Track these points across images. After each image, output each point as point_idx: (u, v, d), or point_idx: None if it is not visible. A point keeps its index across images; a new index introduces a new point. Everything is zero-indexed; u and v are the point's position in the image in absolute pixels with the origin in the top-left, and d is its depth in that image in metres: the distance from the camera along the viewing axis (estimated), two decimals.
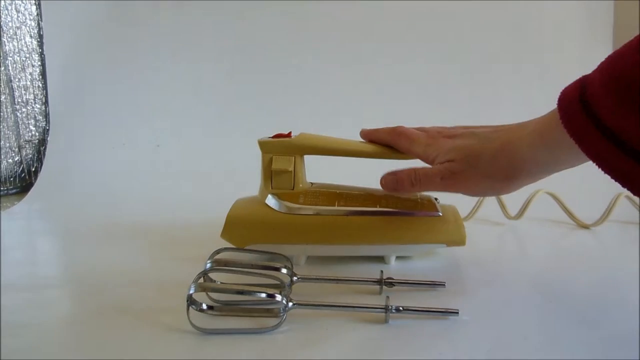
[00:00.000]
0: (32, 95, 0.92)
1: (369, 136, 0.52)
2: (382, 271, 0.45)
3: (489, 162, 0.42)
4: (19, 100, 0.90)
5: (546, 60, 0.99)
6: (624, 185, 0.34)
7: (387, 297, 0.39)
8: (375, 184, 0.51)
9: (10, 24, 0.88)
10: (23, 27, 0.90)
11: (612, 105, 0.32)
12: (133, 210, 0.74)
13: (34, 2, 0.91)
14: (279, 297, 0.38)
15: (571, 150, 0.36)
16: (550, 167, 0.41)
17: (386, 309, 0.38)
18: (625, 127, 0.32)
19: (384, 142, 0.50)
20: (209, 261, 0.42)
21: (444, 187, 0.45)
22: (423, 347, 0.35)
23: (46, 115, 0.93)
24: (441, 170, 0.44)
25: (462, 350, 0.35)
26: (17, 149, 0.89)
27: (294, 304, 0.38)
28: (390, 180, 0.48)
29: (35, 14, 0.92)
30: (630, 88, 0.31)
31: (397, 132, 0.49)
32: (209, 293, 0.40)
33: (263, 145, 0.50)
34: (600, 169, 0.34)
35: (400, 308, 0.38)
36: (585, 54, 0.98)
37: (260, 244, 0.49)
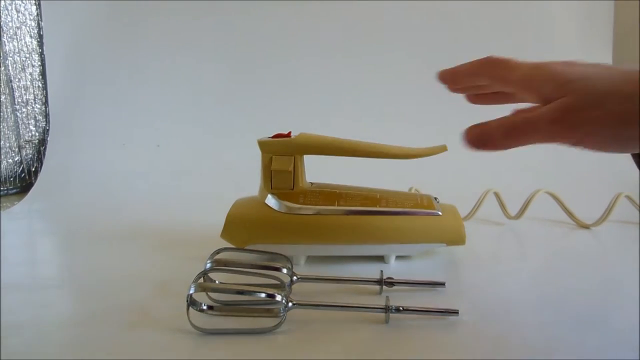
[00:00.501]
0: (32, 95, 0.92)
1: (451, 76, 0.41)
2: (382, 271, 0.45)
3: (622, 98, 0.31)
4: (19, 100, 0.90)
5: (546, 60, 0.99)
6: None
7: (387, 297, 0.39)
8: (375, 184, 0.51)
9: (10, 24, 0.88)
10: (23, 27, 0.90)
11: None
12: (133, 210, 0.74)
13: (34, 2, 0.91)
14: (278, 297, 0.38)
15: None
16: None
17: (386, 309, 0.38)
18: None
19: (471, 80, 0.39)
20: (208, 261, 0.42)
21: (552, 135, 0.33)
22: (423, 347, 0.35)
23: (46, 115, 0.93)
24: (551, 110, 0.32)
25: (462, 350, 0.35)
26: (17, 149, 0.89)
27: (294, 304, 0.38)
28: (477, 133, 0.36)
29: (35, 14, 0.92)
30: None
31: (489, 61, 0.37)
32: (209, 293, 0.40)
33: (263, 145, 0.50)
34: None
35: (400, 308, 0.38)
36: (585, 54, 0.98)
37: (260, 244, 0.49)
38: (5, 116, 0.88)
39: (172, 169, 0.89)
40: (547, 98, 0.33)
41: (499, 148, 0.35)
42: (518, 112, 0.35)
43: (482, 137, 0.36)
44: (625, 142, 0.32)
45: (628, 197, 0.63)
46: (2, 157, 0.87)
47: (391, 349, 0.35)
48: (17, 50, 0.89)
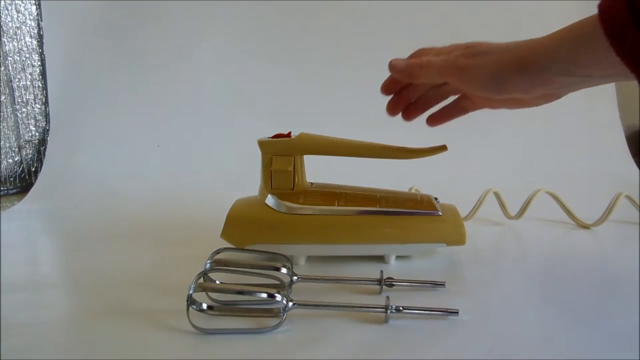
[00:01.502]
0: (32, 95, 0.92)
1: (389, 89, 0.50)
2: (382, 271, 0.45)
3: (505, 49, 0.40)
4: (19, 100, 0.90)
5: None
6: None
7: (387, 297, 0.39)
8: (375, 184, 0.51)
9: (10, 24, 0.88)
10: (23, 27, 0.90)
11: None
12: (133, 210, 0.74)
13: (34, 2, 0.91)
14: (278, 297, 0.38)
15: (597, 50, 0.34)
16: (566, 67, 0.37)
17: (386, 309, 0.38)
18: None
19: (402, 85, 0.49)
20: (208, 261, 0.42)
21: (454, 69, 0.42)
22: (423, 347, 0.35)
23: (46, 115, 0.93)
24: (458, 56, 0.42)
25: (462, 350, 0.35)
26: (17, 149, 0.89)
27: (293, 304, 0.38)
28: (399, 62, 0.46)
29: (35, 14, 0.92)
30: None
31: (411, 68, 0.46)
32: (208, 293, 0.40)
33: (263, 145, 0.50)
34: (628, 68, 0.33)
35: (400, 308, 0.38)
36: None
37: (260, 244, 0.49)
38: (5, 116, 0.88)
39: (172, 169, 0.89)
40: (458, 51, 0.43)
41: (415, 78, 0.45)
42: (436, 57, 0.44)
43: (403, 65, 0.46)
44: (500, 83, 0.40)
45: (628, 197, 0.63)
46: (2, 157, 0.87)
47: (391, 349, 0.35)
48: (17, 50, 0.89)
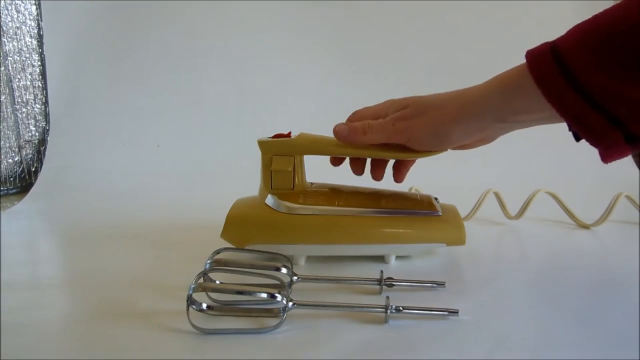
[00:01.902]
0: (32, 95, 0.92)
1: (336, 161, 0.52)
2: (382, 271, 0.45)
3: (440, 106, 0.43)
4: (19, 100, 0.90)
5: None
6: (575, 128, 0.37)
7: (387, 297, 0.39)
8: (375, 184, 0.51)
9: (10, 24, 0.88)
10: (23, 27, 0.90)
11: (583, 58, 0.36)
12: (133, 210, 0.74)
13: (34, 2, 0.91)
14: (278, 297, 0.38)
15: (527, 96, 0.38)
16: (500, 114, 0.41)
17: (386, 309, 0.38)
18: (592, 78, 0.35)
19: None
20: (208, 261, 0.42)
21: (395, 133, 0.45)
22: (423, 347, 0.35)
23: (46, 115, 0.93)
24: (394, 117, 0.45)
25: (462, 350, 0.35)
26: (17, 149, 0.89)
27: (293, 304, 0.38)
28: (343, 127, 0.48)
29: (35, 14, 0.92)
30: (604, 44, 0.35)
31: (354, 134, 0.48)
32: (208, 293, 0.40)
33: (263, 145, 0.50)
34: (558, 113, 0.37)
35: (400, 308, 0.38)
36: None
37: (260, 244, 0.49)
38: (5, 116, 0.88)
39: (172, 169, 0.90)
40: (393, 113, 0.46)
41: (359, 142, 0.47)
42: (373, 120, 0.47)
43: (346, 132, 0.47)
44: (441, 138, 0.44)
45: (628, 197, 0.63)
46: (2, 157, 0.87)
47: (391, 349, 0.35)
48: (17, 50, 0.89)
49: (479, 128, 0.43)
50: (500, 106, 0.41)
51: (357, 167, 0.51)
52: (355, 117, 0.50)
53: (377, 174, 0.51)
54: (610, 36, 0.35)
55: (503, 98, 0.41)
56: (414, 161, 0.51)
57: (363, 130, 0.46)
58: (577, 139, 0.41)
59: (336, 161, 0.52)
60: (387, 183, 0.53)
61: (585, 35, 0.36)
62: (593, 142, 0.38)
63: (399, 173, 0.52)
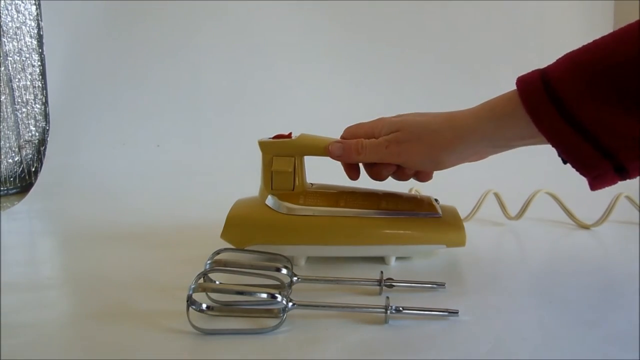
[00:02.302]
0: (32, 95, 0.92)
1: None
2: (382, 272, 0.45)
3: (434, 132, 0.44)
4: (19, 100, 0.90)
5: (546, 60, 0.99)
6: (565, 157, 0.38)
7: (387, 297, 0.39)
8: (375, 185, 0.51)
9: (10, 24, 0.88)
10: (23, 27, 0.90)
11: (574, 89, 0.36)
12: (133, 210, 0.74)
13: (34, 2, 0.91)
14: (279, 298, 0.38)
15: (519, 124, 0.39)
16: (494, 140, 0.42)
17: (386, 309, 0.38)
18: (583, 109, 0.36)
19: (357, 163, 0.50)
20: (208, 262, 0.42)
21: (388, 156, 0.46)
22: (423, 347, 0.35)
23: (46, 115, 0.93)
24: (387, 139, 0.45)
25: (462, 350, 0.35)
26: (17, 149, 0.89)
27: (294, 305, 0.38)
28: (337, 147, 0.48)
29: (35, 14, 0.92)
30: (595, 76, 0.35)
31: (348, 154, 0.48)
32: (208, 293, 0.40)
33: (263, 145, 0.50)
34: (549, 143, 0.38)
35: (400, 308, 0.38)
36: None
37: (260, 244, 0.49)
38: (5, 116, 0.88)
39: (172, 169, 0.89)
40: (386, 135, 0.46)
41: (352, 161, 0.48)
42: (367, 139, 0.47)
43: (340, 151, 0.48)
44: (436, 163, 0.45)
45: (628, 197, 0.63)
46: (2, 157, 0.87)
47: (391, 350, 0.35)
48: (17, 50, 0.89)
49: (473, 153, 0.44)
50: (494, 134, 0.42)
51: (352, 172, 0.51)
52: (347, 133, 0.50)
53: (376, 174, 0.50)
54: (603, 68, 0.35)
55: (496, 126, 0.41)
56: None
57: (357, 150, 0.47)
58: (565, 162, 0.42)
59: (354, 174, 0.51)
60: (388, 183, 0.53)
61: (577, 65, 0.37)
62: (582, 172, 0.39)
63: (402, 177, 0.51)
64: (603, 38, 0.37)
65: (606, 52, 0.36)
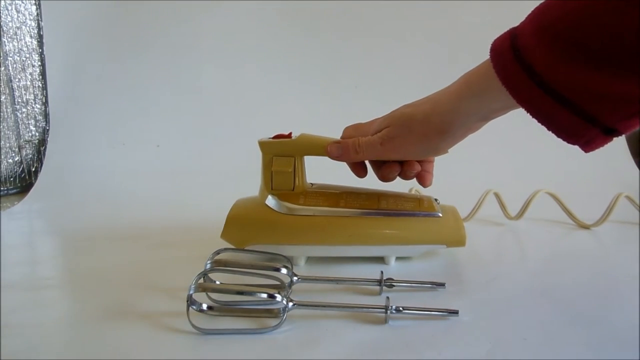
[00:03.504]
0: (32, 95, 0.92)
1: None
2: (382, 272, 0.45)
3: (422, 122, 0.43)
4: (19, 100, 0.90)
5: None
6: (549, 128, 0.36)
7: (387, 297, 0.39)
8: (375, 185, 0.51)
9: (10, 24, 0.88)
10: (23, 27, 0.90)
11: (542, 53, 0.34)
12: (133, 210, 0.74)
13: (34, 2, 0.91)
14: (279, 298, 0.38)
15: (499, 96, 0.37)
16: (481, 115, 0.42)
17: (386, 309, 0.38)
18: (553, 73, 0.34)
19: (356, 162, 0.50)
20: (208, 261, 0.42)
21: (385, 152, 0.46)
22: (423, 347, 0.35)
23: (46, 115, 0.93)
24: (380, 136, 0.46)
25: (462, 350, 0.35)
26: (17, 149, 0.89)
27: (294, 305, 0.38)
28: (336, 148, 0.48)
29: (35, 14, 0.92)
30: (559, 38, 0.33)
31: (346, 153, 0.48)
32: (208, 293, 0.40)
33: (263, 145, 0.50)
34: (528, 113, 0.36)
35: (400, 308, 0.38)
36: None
37: (260, 244, 0.49)
38: (5, 116, 0.88)
39: (172, 169, 0.89)
40: (378, 132, 0.46)
41: (351, 160, 0.49)
42: (362, 137, 0.47)
43: (339, 151, 0.48)
44: (434, 150, 0.45)
45: (628, 197, 0.63)
46: (2, 157, 0.87)
47: (391, 349, 0.35)
48: (17, 50, 0.89)
49: (466, 130, 0.44)
50: (479, 109, 0.41)
51: (359, 170, 0.51)
52: (346, 133, 0.50)
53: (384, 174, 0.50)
54: (565, 25, 0.33)
55: (478, 102, 0.40)
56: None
57: (354, 149, 0.48)
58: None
59: (360, 172, 0.51)
60: (388, 184, 0.53)
61: (541, 26, 0.34)
62: (570, 141, 0.36)
63: (407, 176, 0.51)
64: None
65: (565, 7, 0.33)
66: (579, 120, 0.34)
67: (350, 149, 0.48)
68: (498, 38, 0.38)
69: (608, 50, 0.32)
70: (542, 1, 0.36)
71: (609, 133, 0.35)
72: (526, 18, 0.36)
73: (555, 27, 0.33)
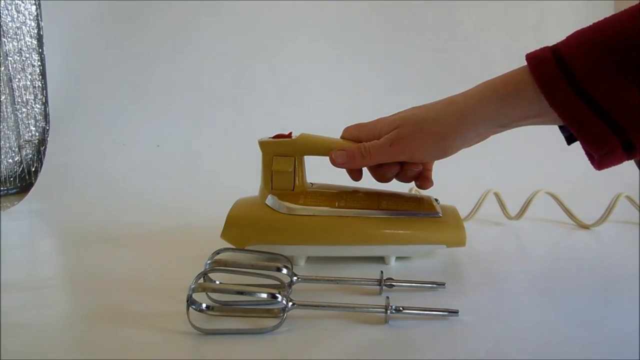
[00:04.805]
0: (32, 95, 0.92)
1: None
2: (382, 272, 0.45)
3: (435, 121, 0.43)
4: (19, 100, 0.90)
5: None
6: (577, 133, 0.38)
7: (387, 297, 0.39)
8: (375, 185, 0.51)
9: (10, 24, 0.88)
10: (23, 27, 0.90)
11: (586, 63, 0.36)
12: (133, 210, 0.74)
13: (34, 2, 0.91)
14: (279, 298, 0.38)
15: (524, 103, 0.39)
16: (497, 122, 0.42)
17: (386, 309, 0.38)
18: (594, 82, 0.36)
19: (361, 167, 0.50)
20: (208, 261, 0.42)
21: (394, 154, 0.46)
22: (423, 347, 0.35)
23: (46, 115, 0.93)
24: (389, 138, 0.45)
25: (462, 350, 0.35)
26: (17, 149, 0.89)
27: (293, 305, 0.38)
28: (340, 154, 0.48)
29: (35, 14, 0.92)
30: (606, 50, 0.35)
31: (352, 160, 0.48)
32: (208, 293, 0.40)
33: (263, 145, 0.50)
34: (560, 118, 0.38)
35: (400, 308, 0.38)
36: None
37: (260, 244, 0.49)
38: (5, 116, 0.88)
39: (172, 169, 0.89)
40: (387, 134, 0.45)
41: (358, 166, 0.48)
42: (369, 142, 0.47)
43: (344, 158, 0.47)
44: (443, 151, 0.45)
45: (628, 197, 0.63)
46: (2, 157, 0.87)
47: (391, 349, 0.35)
48: (17, 50, 0.89)
49: (476, 135, 0.44)
50: (497, 114, 0.41)
51: (355, 173, 0.51)
52: (347, 133, 0.50)
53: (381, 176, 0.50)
54: (613, 43, 0.35)
55: (500, 106, 0.41)
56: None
57: (361, 154, 0.47)
58: (569, 142, 0.42)
59: (357, 176, 0.51)
60: (388, 184, 0.53)
61: (589, 40, 0.37)
62: (593, 149, 0.38)
63: (406, 177, 0.50)
64: (613, 16, 0.37)
65: (614, 29, 0.36)
66: (608, 130, 0.36)
67: (356, 154, 0.47)
68: (534, 51, 0.39)
69: None
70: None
71: (628, 149, 0.38)
72: (569, 36, 0.38)
73: (603, 41, 0.36)
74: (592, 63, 0.36)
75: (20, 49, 0.90)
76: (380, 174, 0.49)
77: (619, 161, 0.39)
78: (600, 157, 0.39)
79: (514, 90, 0.40)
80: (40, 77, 0.93)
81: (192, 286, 0.37)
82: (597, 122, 0.36)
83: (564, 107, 0.37)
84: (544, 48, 0.39)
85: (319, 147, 0.49)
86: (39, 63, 0.93)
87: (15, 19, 0.88)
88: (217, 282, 0.43)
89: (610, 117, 0.36)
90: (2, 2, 0.86)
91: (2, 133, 0.87)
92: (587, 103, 0.36)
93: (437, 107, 0.44)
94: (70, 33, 0.95)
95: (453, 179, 0.78)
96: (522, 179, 0.76)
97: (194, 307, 0.38)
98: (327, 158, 0.50)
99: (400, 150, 0.45)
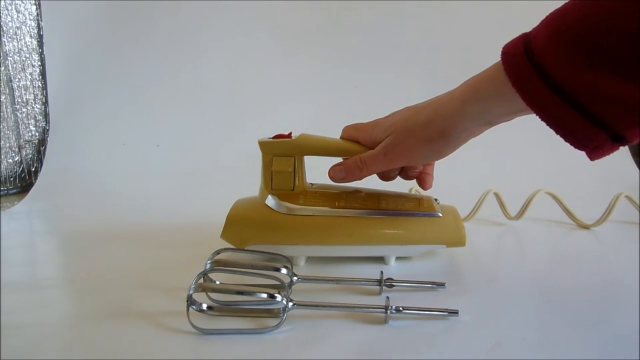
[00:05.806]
0: (32, 95, 0.92)
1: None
2: (382, 272, 0.45)
3: (425, 125, 0.43)
4: (19, 100, 0.90)
5: None
6: (557, 132, 0.36)
7: (387, 297, 0.39)
8: (375, 185, 0.51)
9: (10, 24, 0.88)
10: (23, 27, 0.90)
11: (555, 56, 0.34)
12: (133, 210, 0.74)
13: (34, 2, 0.91)
14: (279, 298, 0.38)
15: (505, 101, 0.38)
16: (485, 120, 0.41)
17: (386, 309, 0.38)
18: (566, 76, 0.33)
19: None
20: (208, 261, 0.42)
21: (390, 162, 0.46)
22: (423, 347, 0.35)
23: (46, 115, 0.93)
24: (383, 147, 0.45)
25: (462, 350, 0.35)
26: (17, 149, 0.89)
27: (293, 305, 0.38)
28: (338, 170, 0.48)
29: (35, 14, 0.92)
30: (573, 41, 0.33)
31: (350, 174, 0.48)
32: (208, 293, 0.40)
33: (263, 145, 0.50)
34: (540, 118, 0.36)
35: (400, 308, 0.38)
36: None
37: (260, 244, 0.49)
38: (5, 116, 0.88)
39: (172, 169, 0.89)
40: (381, 142, 0.46)
41: (356, 178, 0.48)
42: (364, 153, 0.47)
43: (341, 173, 0.48)
44: (437, 153, 0.45)
45: (628, 197, 0.63)
46: (2, 157, 0.87)
47: (391, 349, 0.35)
48: (17, 50, 0.89)
49: (468, 134, 0.43)
50: (484, 114, 0.41)
51: None
52: (345, 133, 0.50)
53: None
54: (582, 29, 0.33)
55: (483, 107, 0.40)
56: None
57: (358, 167, 0.47)
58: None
59: (386, 178, 0.51)
60: (388, 184, 0.53)
61: (556, 29, 0.34)
62: (578, 146, 0.36)
63: (408, 177, 0.51)
64: (574, 2, 0.34)
65: (580, 12, 0.33)
66: (589, 124, 0.34)
67: (353, 168, 0.47)
68: (510, 42, 0.38)
69: (623, 55, 0.31)
70: (554, 6, 0.36)
71: (617, 140, 0.35)
72: (540, 23, 0.36)
73: (570, 30, 0.33)
74: (561, 55, 0.33)
75: (20, 49, 0.90)
76: (383, 174, 0.49)
77: (610, 151, 0.36)
78: (589, 152, 0.36)
79: (493, 91, 0.39)
80: (40, 77, 0.93)
81: (192, 286, 0.37)
82: (577, 118, 0.34)
83: (540, 106, 0.35)
84: (518, 39, 0.37)
85: (318, 147, 0.49)
86: (39, 63, 0.93)
87: (15, 19, 0.88)
88: (217, 282, 0.43)
89: (589, 112, 0.33)
90: (2, 2, 0.86)
91: (2, 133, 0.87)
92: (563, 99, 0.34)
93: (426, 111, 0.44)
94: (70, 33, 0.95)
95: (453, 179, 0.78)
96: (522, 179, 0.76)
97: (194, 307, 0.38)
98: (327, 158, 0.50)
99: (395, 158, 0.46)
